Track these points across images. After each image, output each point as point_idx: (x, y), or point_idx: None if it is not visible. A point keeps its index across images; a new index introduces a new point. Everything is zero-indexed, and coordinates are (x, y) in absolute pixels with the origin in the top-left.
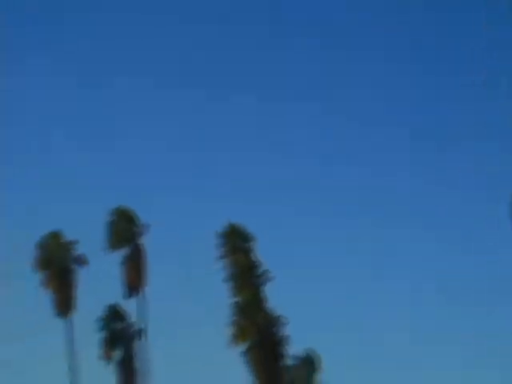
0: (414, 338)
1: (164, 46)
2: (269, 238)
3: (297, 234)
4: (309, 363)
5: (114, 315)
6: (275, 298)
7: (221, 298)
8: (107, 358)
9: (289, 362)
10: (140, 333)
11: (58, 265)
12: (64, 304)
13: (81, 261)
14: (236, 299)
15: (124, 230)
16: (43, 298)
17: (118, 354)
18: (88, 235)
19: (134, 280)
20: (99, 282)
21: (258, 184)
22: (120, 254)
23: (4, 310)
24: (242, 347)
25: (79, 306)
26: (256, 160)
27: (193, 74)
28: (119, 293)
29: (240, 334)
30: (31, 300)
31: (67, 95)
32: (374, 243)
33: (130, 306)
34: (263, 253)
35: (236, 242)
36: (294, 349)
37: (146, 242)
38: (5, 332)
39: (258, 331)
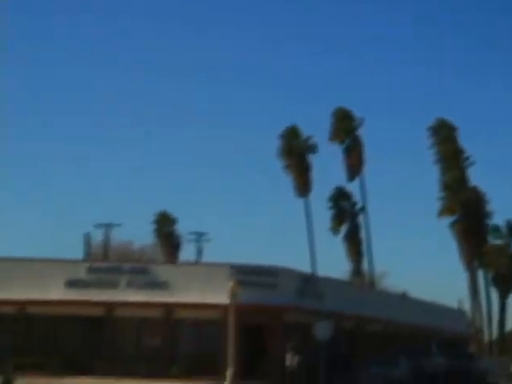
0: None
1: None
2: (473, 128)
3: (499, 124)
4: (509, 234)
5: (341, 195)
6: (479, 179)
7: (431, 180)
8: (337, 230)
9: (490, 233)
10: (362, 209)
11: (297, 153)
12: (303, 186)
13: (314, 150)
14: (444, 179)
15: (344, 124)
16: (286, 182)
17: (344, 227)
18: (318, 128)
19: (355, 165)
20: (328, 167)
21: (465, 80)
22: (343, 145)
23: (253, 191)
24: (449, 220)
25: (314, 188)
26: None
27: None
28: (344, 176)
29: (447, 209)
30: (275, 183)
31: None
32: None
33: (353, 188)
34: (467, 141)
35: (444, 132)
36: (496, 221)
37: (364, 132)
38: (255, 210)
39: (463, 206)
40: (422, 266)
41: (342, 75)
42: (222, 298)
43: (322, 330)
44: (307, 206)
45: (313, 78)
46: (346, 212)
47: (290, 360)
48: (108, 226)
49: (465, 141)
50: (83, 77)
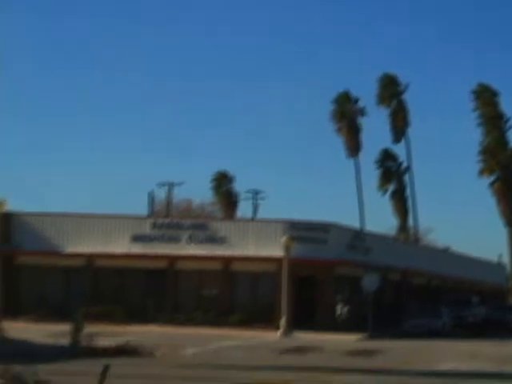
0: None
1: None
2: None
3: None
4: None
5: (387, 156)
6: None
7: (473, 141)
8: (384, 189)
9: None
10: (407, 169)
11: (348, 116)
12: (353, 148)
13: (364, 113)
14: (485, 141)
15: (391, 89)
16: (337, 143)
17: (391, 186)
18: (367, 93)
19: (401, 128)
20: (376, 130)
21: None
22: (389, 109)
23: (306, 152)
24: (489, 180)
25: (363, 149)
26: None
27: None
28: (390, 138)
29: (487, 169)
30: (327, 144)
31: None
32: None
33: (399, 149)
34: (509, 106)
35: (486, 96)
36: None
37: (409, 96)
38: (308, 170)
39: (502, 167)
40: (464, 222)
41: (389, 43)
42: (276, 251)
43: (370, 283)
44: (357, 166)
45: (362, 46)
46: (392, 172)
47: (340, 310)
48: (170, 185)
49: (506, 105)
50: (146, 38)
